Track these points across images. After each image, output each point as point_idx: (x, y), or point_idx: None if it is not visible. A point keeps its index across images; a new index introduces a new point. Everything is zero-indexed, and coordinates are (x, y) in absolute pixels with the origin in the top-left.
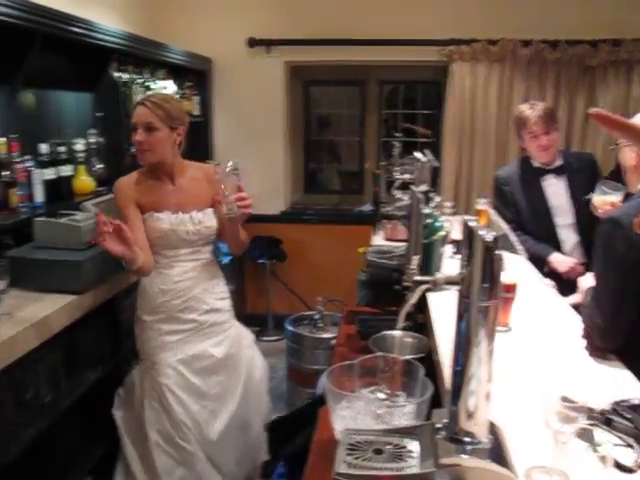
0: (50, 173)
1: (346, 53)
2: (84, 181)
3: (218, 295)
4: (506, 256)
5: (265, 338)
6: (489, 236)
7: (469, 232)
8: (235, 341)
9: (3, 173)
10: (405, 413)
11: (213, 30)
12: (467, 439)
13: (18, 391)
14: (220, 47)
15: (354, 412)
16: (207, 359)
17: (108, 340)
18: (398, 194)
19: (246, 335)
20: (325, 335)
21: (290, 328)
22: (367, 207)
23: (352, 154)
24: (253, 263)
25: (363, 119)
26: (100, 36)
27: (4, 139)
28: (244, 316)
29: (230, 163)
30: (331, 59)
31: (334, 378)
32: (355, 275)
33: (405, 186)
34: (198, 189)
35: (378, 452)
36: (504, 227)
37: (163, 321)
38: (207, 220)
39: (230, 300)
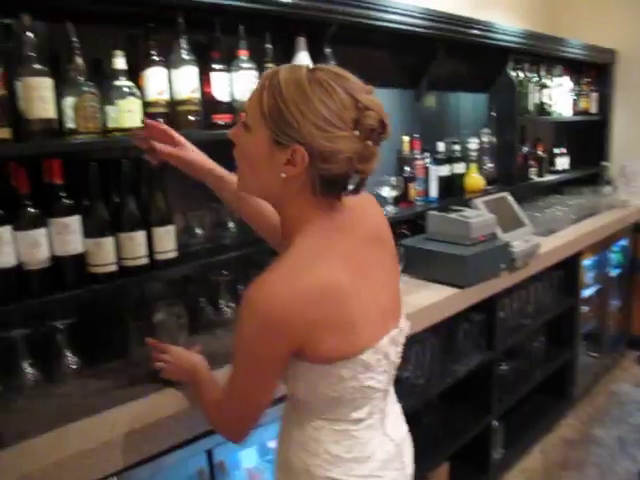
0: (445, 170)
1: None
2: (475, 179)
3: None
4: None
5: None
6: None
7: None
8: None
9: (405, 168)
10: None
11: (618, 18)
12: None
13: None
14: (626, 36)
15: None
16: None
17: (483, 336)
18: None
19: None
20: None
21: None
22: None
23: None
24: None
25: None
26: (498, 36)
27: (407, 138)
28: (627, 338)
29: None
30: None
31: None
32: None
33: None
34: None
35: None
36: None
37: None
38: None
39: None
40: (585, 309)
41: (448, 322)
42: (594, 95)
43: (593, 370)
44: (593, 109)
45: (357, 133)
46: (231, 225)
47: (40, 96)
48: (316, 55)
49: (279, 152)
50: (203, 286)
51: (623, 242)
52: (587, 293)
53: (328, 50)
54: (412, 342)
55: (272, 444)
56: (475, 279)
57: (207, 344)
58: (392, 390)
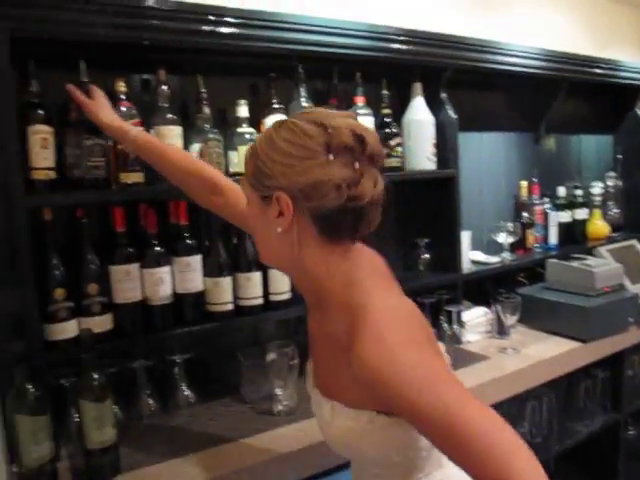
0: (565, 216)
1: None
2: (598, 225)
3: None
4: None
5: None
6: None
7: None
8: None
9: (523, 214)
10: None
11: None
12: None
13: (511, 424)
14: None
15: None
16: None
17: (607, 396)
18: None
19: None
20: None
21: None
22: None
23: None
24: None
25: None
26: (624, 74)
27: (525, 182)
28: None
29: None
30: None
31: None
32: None
33: None
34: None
35: None
36: None
37: None
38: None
39: None
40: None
41: (569, 378)
42: None
43: None
44: None
45: (331, 157)
46: None
47: (170, 143)
48: (432, 99)
49: (269, 208)
50: None
51: None
52: None
53: (444, 95)
54: (529, 397)
55: None
56: (600, 333)
57: None
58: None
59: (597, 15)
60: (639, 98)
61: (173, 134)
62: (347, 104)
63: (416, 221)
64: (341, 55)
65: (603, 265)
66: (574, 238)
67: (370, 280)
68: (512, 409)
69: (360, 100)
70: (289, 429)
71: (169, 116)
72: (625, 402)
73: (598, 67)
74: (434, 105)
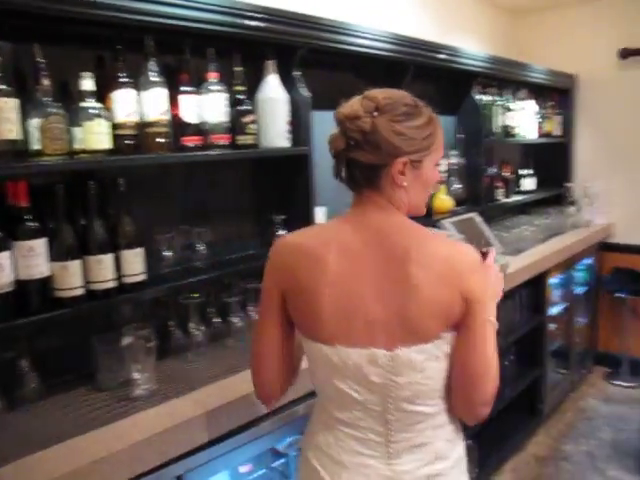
0: None
1: None
2: (443, 200)
3: None
4: None
5: (617, 382)
6: None
7: None
8: None
9: None
10: None
11: (578, 45)
12: None
13: None
14: (586, 62)
15: None
16: None
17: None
18: None
19: None
20: None
21: None
22: None
23: None
24: (610, 296)
25: None
26: (465, 61)
27: None
28: (594, 354)
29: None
30: None
31: None
32: None
33: None
34: None
35: None
36: None
37: None
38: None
39: None
40: (553, 327)
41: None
42: (557, 118)
43: (561, 387)
44: (557, 131)
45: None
46: (201, 247)
47: (5, 117)
48: (286, 78)
49: None
50: (173, 309)
51: (588, 261)
52: (554, 311)
53: (297, 73)
54: None
55: (243, 469)
56: None
57: (176, 368)
58: (407, 418)
59: (441, 4)
60: (476, 83)
61: (7, 107)
62: (199, 80)
63: (272, 198)
64: (193, 29)
65: (450, 237)
66: None
67: (333, 220)
68: None
69: (213, 76)
70: (148, 414)
71: (2, 87)
72: None
73: (441, 53)
74: (288, 83)
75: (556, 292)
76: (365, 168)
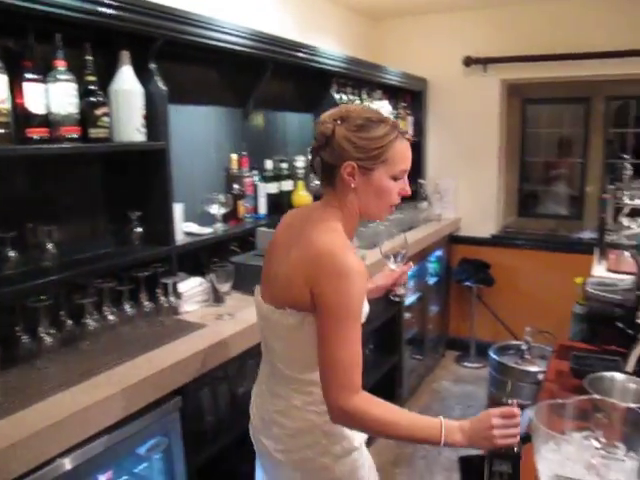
0: (273, 187)
1: (568, 68)
2: (302, 196)
3: None
4: None
5: (466, 364)
6: None
7: None
8: None
9: (234, 186)
10: (625, 470)
11: (428, 51)
12: None
13: (233, 385)
14: (435, 67)
15: (562, 457)
16: None
17: None
18: (626, 222)
19: None
20: (532, 368)
21: (494, 357)
22: (587, 234)
23: (572, 176)
24: (459, 285)
25: (586, 139)
26: (323, 60)
27: (236, 156)
28: (446, 339)
29: (403, 251)
30: (551, 75)
31: (543, 416)
32: (569, 307)
33: (635, 213)
34: None
35: None
36: None
37: None
38: None
39: None
40: (408, 316)
41: None
42: (410, 119)
43: (418, 372)
44: (410, 131)
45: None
46: (50, 247)
47: None
48: (142, 70)
49: None
50: (20, 314)
51: (439, 252)
52: (409, 301)
53: (153, 66)
54: (245, 358)
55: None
56: None
57: (24, 376)
58: (277, 372)
59: (303, 4)
60: (333, 82)
61: None
62: (46, 67)
63: (128, 194)
64: (37, 12)
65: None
66: (281, 208)
67: None
68: (233, 369)
69: (61, 64)
70: None
71: None
72: None
73: (301, 51)
74: (144, 76)
75: (410, 282)
76: (327, 166)
